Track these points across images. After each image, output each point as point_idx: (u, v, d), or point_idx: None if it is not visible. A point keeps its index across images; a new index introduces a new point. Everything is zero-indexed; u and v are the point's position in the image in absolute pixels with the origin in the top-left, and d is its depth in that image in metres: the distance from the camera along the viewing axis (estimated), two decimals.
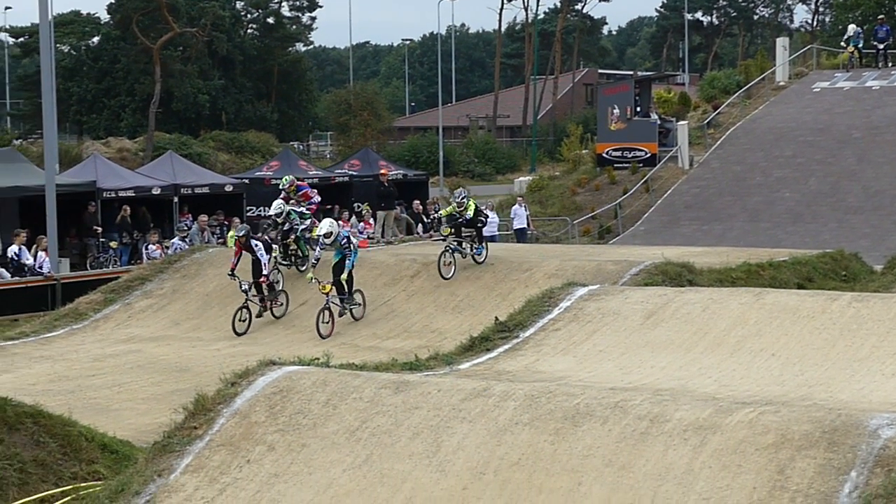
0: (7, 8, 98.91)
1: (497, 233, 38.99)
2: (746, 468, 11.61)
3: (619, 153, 48.49)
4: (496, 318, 20.32)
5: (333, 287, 24.36)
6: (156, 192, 40.70)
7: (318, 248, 25.12)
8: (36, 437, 14.68)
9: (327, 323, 24.28)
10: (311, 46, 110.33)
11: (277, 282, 26.03)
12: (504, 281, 25.17)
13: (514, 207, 42.09)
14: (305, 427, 13.64)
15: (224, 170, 59.43)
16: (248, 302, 24.96)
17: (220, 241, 36.38)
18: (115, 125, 77.19)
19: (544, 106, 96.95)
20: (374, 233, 37.01)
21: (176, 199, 40.80)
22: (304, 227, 27.11)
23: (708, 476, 11.67)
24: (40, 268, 32.04)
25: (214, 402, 14.31)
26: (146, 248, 35.67)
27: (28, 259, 32.15)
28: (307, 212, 27.67)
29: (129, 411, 18.85)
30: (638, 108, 49.06)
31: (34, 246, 32.61)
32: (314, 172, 46.88)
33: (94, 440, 15.25)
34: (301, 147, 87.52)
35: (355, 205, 42.93)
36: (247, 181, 44.83)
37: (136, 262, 35.35)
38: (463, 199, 26.94)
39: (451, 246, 26.07)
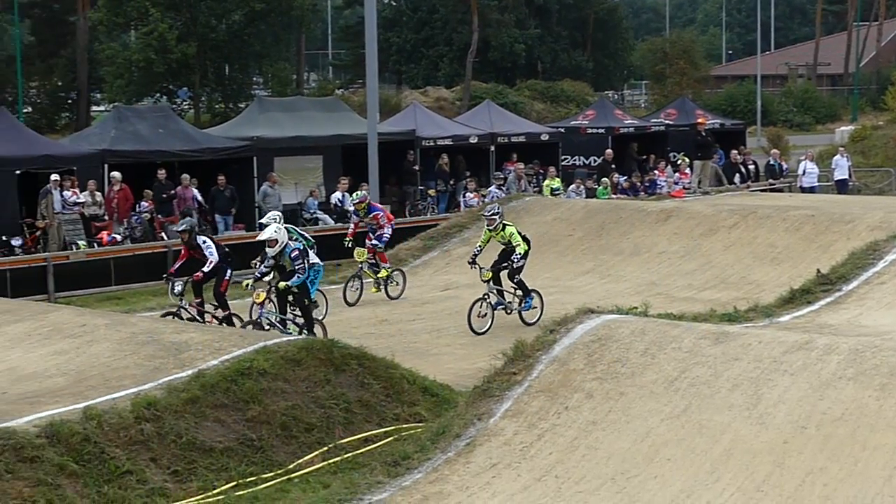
0: None
1: (817, 184, 38.00)
2: None
3: None
4: (818, 271, 19.87)
5: (268, 296, 19.28)
6: (473, 140, 41.18)
7: (262, 263, 19.57)
8: (360, 378, 15.13)
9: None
10: None
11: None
12: (825, 233, 24.49)
13: (834, 158, 40.95)
14: (623, 375, 13.64)
15: (539, 119, 59.62)
16: (181, 310, 19.94)
17: (535, 189, 36.61)
18: (433, 74, 78.39)
19: (867, 53, 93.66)
20: (689, 182, 36.57)
21: (492, 148, 41.20)
22: (305, 275, 19.09)
23: None
24: None
25: (533, 349, 14.45)
26: (463, 196, 36.22)
27: (350, 206, 33.06)
28: (311, 253, 19.79)
29: (447, 356, 19.20)
30: None
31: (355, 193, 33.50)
32: (630, 121, 46.56)
33: (415, 383, 15.62)
34: (616, 96, 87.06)
35: (671, 154, 42.50)
36: (562, 130, 44.85)
37: (453, 210, 35.95)
38: (493, 214, 21.62)
39: (490, 296, 21.12)
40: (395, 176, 39.29)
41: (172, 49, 60.62)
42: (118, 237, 30.82)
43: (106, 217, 31.36)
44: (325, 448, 14.03)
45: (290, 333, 18.34)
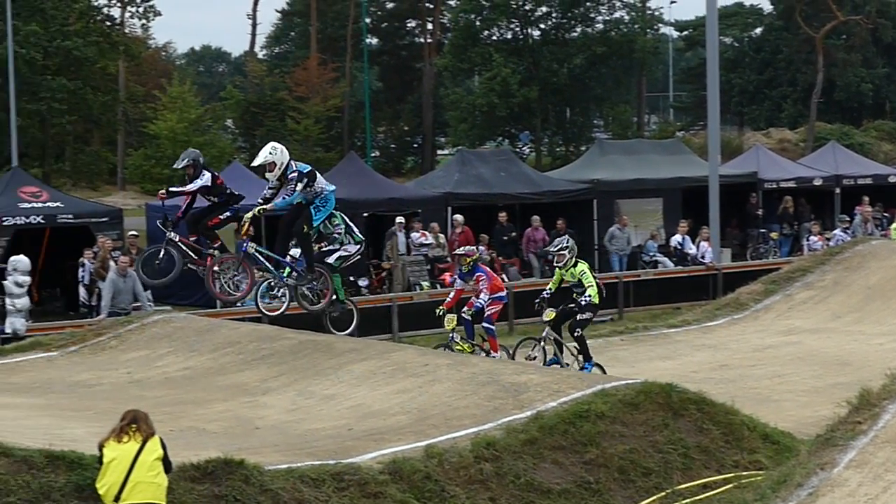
0: (672, 2, 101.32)
1: None
2: None
3: None
4: None
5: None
6: (817, 182, 40.30)
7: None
8: (699, 423, 14.93)
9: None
10: None
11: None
12: None
13: None
14: None
15: (887, 160, 57.79)
16: (168, 246, 17.91)
17: (882, 233, 35.47)
18: (776, 116, 77.04)
19: None
20: None
21: (837, 190, 40.18)
22: (346, 250, 17.98)
23: None
24: (702, 257, 32.62)
25: (879, 398, 13.93)
26: (807, 240, 35.44)
27: (691, 248, 32.85)
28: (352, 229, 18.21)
29: (789, 402, 18.76)
30: None
31: (696, 236, 33.24)
32: None
33: (755, 430, 15.31)
34: None
35: None
36: None
37: (796, 254, 35.22)
38: (562, 249, 19.25)
39: (545, 343, 19.22)
40: (736, 219, 38.82)
41: (515, 93, 61.60)
42: None
43: (448, 259, 32.04)
44: (663, 493, 13.90)
45: (281, 276, 17.43)
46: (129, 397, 15.83)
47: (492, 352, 19.90)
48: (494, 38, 66.70)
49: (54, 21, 50.89)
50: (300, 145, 64.99)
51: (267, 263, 17.56)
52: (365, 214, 32.50)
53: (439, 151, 76.05)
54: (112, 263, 26.72)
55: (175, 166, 18.32)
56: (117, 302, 25.18)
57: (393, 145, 77.50)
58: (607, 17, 67.24)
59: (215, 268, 17.57)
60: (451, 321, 20.18)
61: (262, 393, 16.32)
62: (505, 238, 33.50)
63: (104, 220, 31.62)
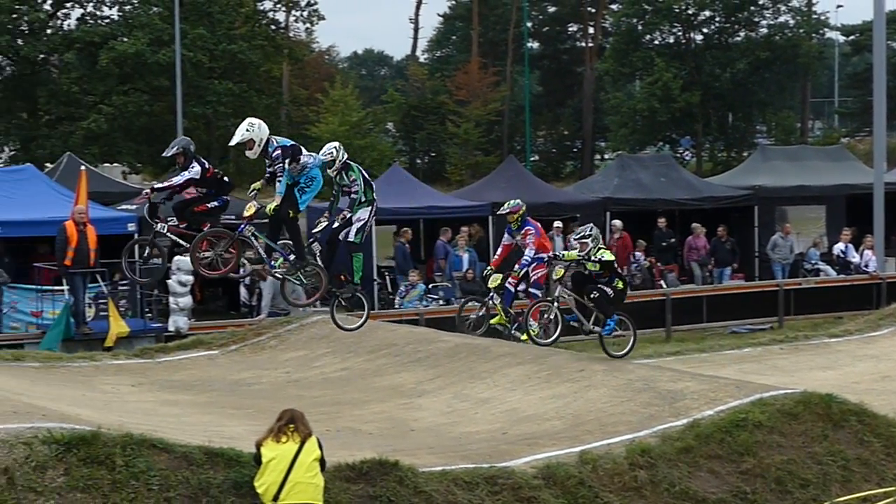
0: (839, 6, 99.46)
1: None
2: None
3: None
4: None
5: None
6: None
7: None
8: (860, 435, 14.65)
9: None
10: None
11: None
12: None
13: None
14: None
15: None
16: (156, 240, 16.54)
17: None
18: None
19: None
20: None
21: None
22: (360, 219, 16.35)
23: None
24: (866, 266, 31.97)
25: None
26: None
27: (854, 257, 32.22)
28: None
29: None
30: None
31: (860, 244, 32.61)
32: None
33: None
34: None
35: None
36: None
37: None
38: (584, 237, 17.70)
39: (562, 299, 17.76)
40: None
41: (676, 98, 61.19)
42: None
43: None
44: None
45: (271, 264, 16.14)
46: (288, 396, 16.06)
47: (530, 319, 17.93)
48: (656, 42, 66.34)
49: (220, 25, 51.91)
50: (460, 149, 65.36)
51: (260, 249, 16.19)
52: None
53: (598, 156, 75.78)
54: None
55: (164, 154, 16.92)
56: (277, 302, 25.55)
57: (552, 149, 77.43)
58: (771, 22, 66.44)
59: (210, 241, 16.02)
60: (494, 280, 18.70)
61: (417, 395, 16.44)
62: (664, 244, 33.21)
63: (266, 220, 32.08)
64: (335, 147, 16.58)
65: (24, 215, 26.64)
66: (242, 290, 29.03)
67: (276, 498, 11.13)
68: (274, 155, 15.66)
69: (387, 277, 31.23)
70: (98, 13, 53.16)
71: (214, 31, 51.27)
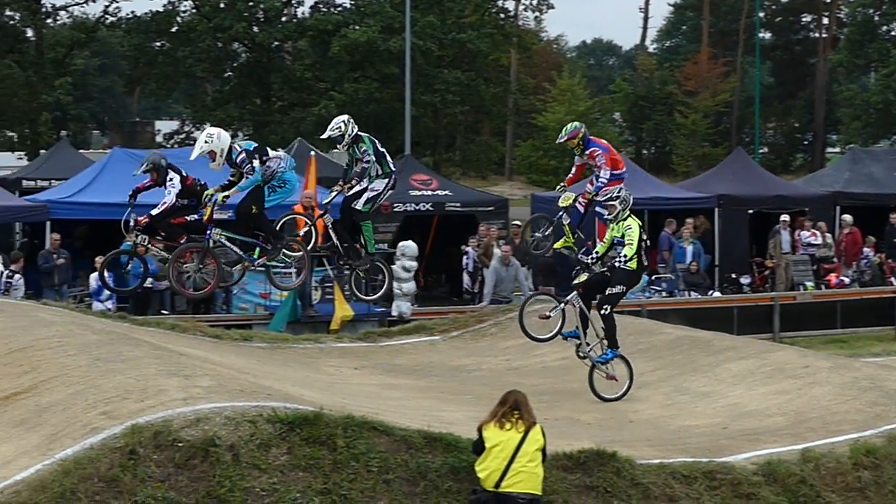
0: None
1: None
2: None
3: None
4: None
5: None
6: None
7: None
8: None
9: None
10: None
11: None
12: None
13: None
14: None
15: None
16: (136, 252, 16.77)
17: None
18: None
19: None
20: None
21: None
22: (374, 189, 16.57)
23: None
24: None
25: None
26: None
27: None
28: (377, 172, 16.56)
29: None
30: None
31: None
32: None
33: None
34: None
35: None
36: None
37: None
38: (610, 199, 16.12)
39: (573, 306, 16.26)
40: None
41: None
42: (846, 280, 30.59)
43: (835, 259, 31.22)
44: None
45: (252, 260, 16.09)
46: (507, 384, 16.11)
47: (598, 240, 16.82)
48: (893, 33, 64.46)
49: (450, 13, 52.31)
50: (687, 139, 64.69)
51: (235, 248, 16.17)
52: (749, 211, 32.02)
53: (830, 149, 74.12)
54: (496, 251, 27.26)
55: (134, 172, 16.69)
56: (499, 290, 25.71)
57: (782, 142, 76.04)
58: None
59: (181, 261, 16.02)
60: (567, 199, 17.11)
61: (637, 386, 16.34)
62: (895, 240, 32.33)
63: (490, 209, 32.29)
64: (343, 121, 16.55)
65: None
66: (465, 278, 29.26)
67: (497, 485, 11.19)
68: (239, 160, 15.68)
69: None
70: (331, 1, 54.16)
71: (444, 19, 51.69)
